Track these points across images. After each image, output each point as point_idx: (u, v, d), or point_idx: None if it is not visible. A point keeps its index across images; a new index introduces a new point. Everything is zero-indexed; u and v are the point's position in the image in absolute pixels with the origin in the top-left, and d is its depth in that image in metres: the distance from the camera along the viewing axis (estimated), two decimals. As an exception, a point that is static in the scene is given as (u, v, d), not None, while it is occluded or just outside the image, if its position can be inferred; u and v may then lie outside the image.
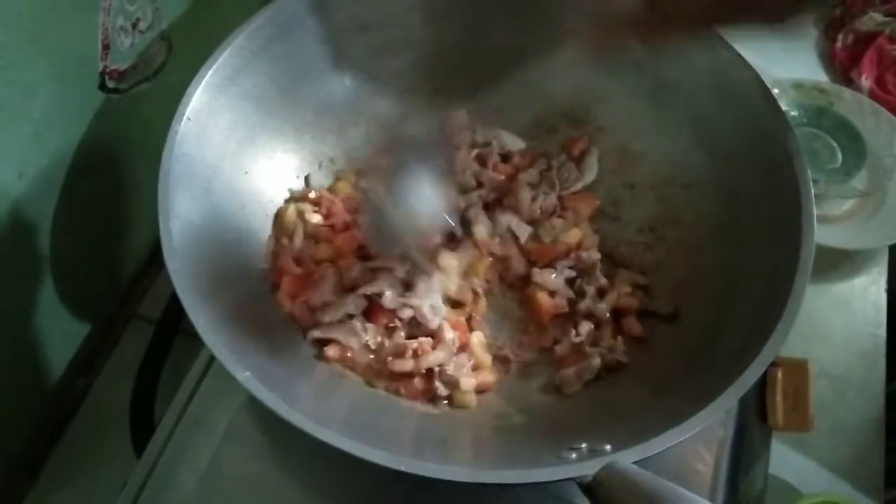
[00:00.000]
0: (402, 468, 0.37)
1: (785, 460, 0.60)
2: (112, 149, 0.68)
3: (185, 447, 0.54)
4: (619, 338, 0.54)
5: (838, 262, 0.69)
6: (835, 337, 0.66)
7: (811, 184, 0.48)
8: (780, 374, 0.57)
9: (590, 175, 0.64)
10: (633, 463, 0.37)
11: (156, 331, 0.77)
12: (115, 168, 0.69)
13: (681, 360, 0.50)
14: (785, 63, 0.78)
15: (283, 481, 0.52)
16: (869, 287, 0.68)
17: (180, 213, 0.48)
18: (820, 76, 0.81)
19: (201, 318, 0.42)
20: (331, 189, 0.63)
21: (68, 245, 0.66)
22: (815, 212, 0.47)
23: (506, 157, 0.65)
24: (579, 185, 0.63)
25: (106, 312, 0.77)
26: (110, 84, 0.63)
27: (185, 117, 0.50)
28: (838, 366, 0.64)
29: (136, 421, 0.71)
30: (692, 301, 0.53)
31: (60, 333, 0.70)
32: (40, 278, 0.64)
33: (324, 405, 0.46)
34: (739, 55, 0.54)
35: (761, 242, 0.50)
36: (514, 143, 0.65)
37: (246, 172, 0.57)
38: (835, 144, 0.71)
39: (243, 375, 0.40)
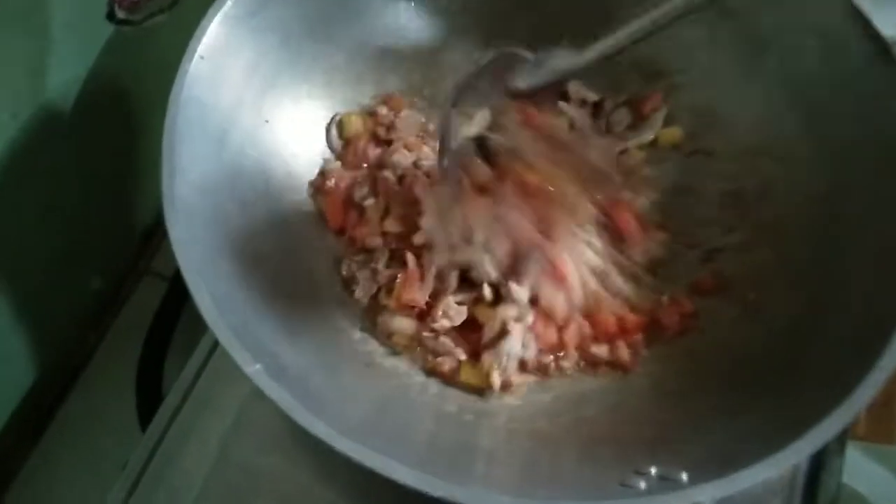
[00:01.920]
0: (440, 494, 0.31)
1: (859, 469, 0.55)
2: (122, 89, 0.62)
3: (191, 427, 0.50)
4: None
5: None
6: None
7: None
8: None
9: (648, 133, 0.56)
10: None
11: (170, 287, 0.73)
12: (125, 111, 0.64)
13: (765, 369, 0.42)
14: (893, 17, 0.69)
15: (294, 469, 0.49)
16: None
17: (188, 169, 0.41)
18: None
19: (206, 297, 0.36)
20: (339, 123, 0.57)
21: (74, 194, 0.61)
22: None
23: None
24: (633, 143, 0.56)
25: (117, 266, 0.73)
26: (121, 14, 0.57)
27: (196, 55, 0.44)
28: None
29: (143, 385, 0.68)
30: (779, 295, 0.46)
31: (67, 288, 0.66)
32: (43, 228, 0.59)
33: (347, 403, 0.40)
34: (852, 3, 0.46)
35: (869, 224, 0.43)
36: (588, 94, 0.57)
37: (266, 121, 0.51)
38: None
39: (253, 369, 0.34)
